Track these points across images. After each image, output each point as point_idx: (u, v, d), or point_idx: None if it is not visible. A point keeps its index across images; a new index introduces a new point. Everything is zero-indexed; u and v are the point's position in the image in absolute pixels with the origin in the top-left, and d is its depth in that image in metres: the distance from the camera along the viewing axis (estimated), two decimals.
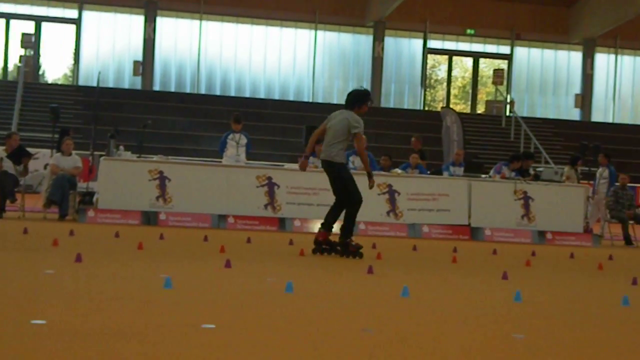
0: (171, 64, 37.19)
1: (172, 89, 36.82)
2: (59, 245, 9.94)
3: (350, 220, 10.88)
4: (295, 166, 17.47)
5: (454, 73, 41.65)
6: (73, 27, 36.44)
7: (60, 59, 38.73)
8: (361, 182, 11.09)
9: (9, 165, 15.48)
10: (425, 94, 39.67)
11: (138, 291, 6.73)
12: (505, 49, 40.04)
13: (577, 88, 39.95)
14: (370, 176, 10.91)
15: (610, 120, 40.06)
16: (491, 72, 39.47)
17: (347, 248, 10.76)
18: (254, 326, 5.46)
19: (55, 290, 6.59)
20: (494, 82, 38.23)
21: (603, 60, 40.47)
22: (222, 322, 5.49)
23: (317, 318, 5.98)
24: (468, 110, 40.29)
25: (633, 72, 41.42)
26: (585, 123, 38.41)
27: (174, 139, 29.57)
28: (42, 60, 37.51)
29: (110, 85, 35.66)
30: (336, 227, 11.04)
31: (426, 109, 39.06)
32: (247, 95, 37.16)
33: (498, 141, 33.75)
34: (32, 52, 34.74)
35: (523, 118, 34.13)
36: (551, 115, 39.76)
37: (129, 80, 36.60)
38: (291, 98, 37.66)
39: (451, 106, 37.18)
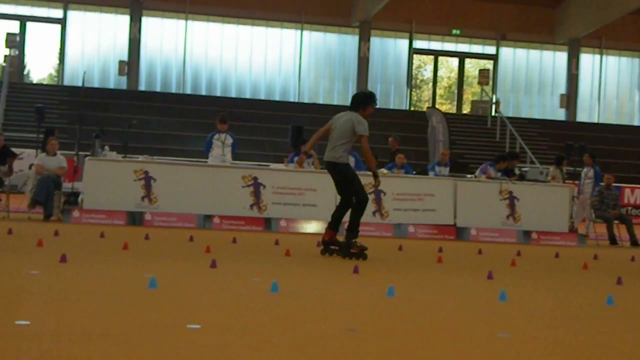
0: (157, 64, 37.09)
1: (158, 89, 36.71)
2: (43, 245, 9.91)
3: (356, 220, 10.89)
4: (281, 166, 17.50)
5: (439, 73, 41.69)
6: (58, 26, 36.28)
7: (45, 58, 38.60)
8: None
9: None
10: (411, 94, 39.69)
11: (123, 291, 6.72)
12: (490, 49, 40.11)
13: (562, 88, 40.05)
14: (375, 176, 10.99)
15: (595, 121, 40.18)
16: (477, 72, 39.51)
17: (349, 249, 10.76)
18: (240, 326, 5.45)
19: (40, 290, 6.57)
20: (479, 82, 38.28)
21: (588, 61, 40.60)
22: (207, 322, 5.48)
23: (302, 318, 5.98)
24: (454, 110, 40.34)
25: (618, 73, 41.57)
26: (570, 123, 38.52)
27: (160, 139, 29.49)
28: (27, 60, 37.35)
29: (96, 85, 35.52)
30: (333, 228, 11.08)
31: (412, 109, 39.09)
32: (233, 95, 37.09)
33: (484, 141, 33.81)
34: (17, 52, 34.55)
35: (508, 118, 34.19)
36: (536, 115, 39.85)
37: (114, 80, 36.47)
38: (277, 98, 37.62)
39: (437, 106, 37.21)
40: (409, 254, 12.21)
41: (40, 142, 18.61)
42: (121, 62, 35.65)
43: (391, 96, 39.02)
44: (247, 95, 37.28)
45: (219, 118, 16.55)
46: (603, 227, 17.89)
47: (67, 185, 16.74)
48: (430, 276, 9.51)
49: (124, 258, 9.24)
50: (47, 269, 7.80)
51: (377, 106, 11.49)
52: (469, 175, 18.96)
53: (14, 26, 35.76)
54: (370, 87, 36.97)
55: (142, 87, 36.25)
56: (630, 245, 17.32)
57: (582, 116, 40.22)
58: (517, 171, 18.00)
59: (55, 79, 37.89)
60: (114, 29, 36.42)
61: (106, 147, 16.45)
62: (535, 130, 35.46)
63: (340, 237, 11.03)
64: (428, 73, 42.18)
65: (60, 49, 36.31)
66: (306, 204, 15.95)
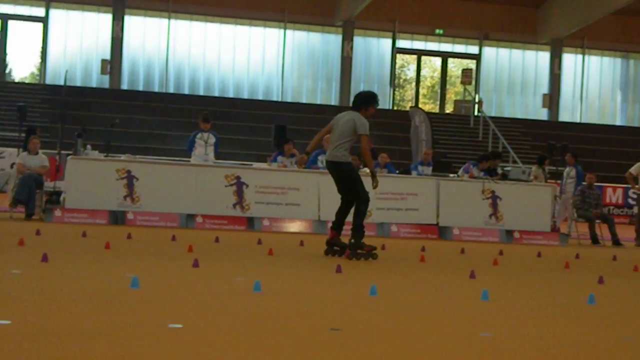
0: (139, 63, 36.98)
1: (140, 88, 36.59)
2: (25, 244, 9.86)
3: (360, 221, 10.90)
4: (264, 165, 17.48)
5: (422, 73, 41.76)
6: (40, 25, 36.12)
7: (27, 57, 38.44)
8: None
9: None
10: (394, 94, 39.74)
11: (105, 291, 6.69)
12: (473, 49, 40.20)
13: (544, 88, 40.19)
14: (373, 176, 11.01)
15: (578, 120, 40.34)
16: (460, 71, 39.62)
17: (357, 249, 10.77)
18: (222, 326, 5.44)
19: (21, 290, 6.53)
20: (462, 82, 38.38)
21: (570, 61, 40.74)
22: (189, 321, 5.47)
23: (285, 317, 5.97)
24: (437, 109, 40.42)
25: (600, 73, 41.74)
26: (552, 123, 38.65)
27: (142, 138, 29.41)
28: (8, 58, 37.17)
29: (78, 84, 35.37)
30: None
31: (395, 108, 39.14)
32: (216, 94, 37.03)
33: (466, 141, 33.89)
34: None
35: (491, 118, 34.29)
36: (519, 115, 39.97)
37: (96, 79, 36.33)
38: (260, 97, 37.58)
39: (420, 106, 37.26)
40: (391, 253, 12.22)
41: (22, 141, 18.52)
42: (103, 61, 35.52)
43: None
44: (230, 95, 37.22)
45: (201, 117, 16.52)
46: (585, 226, 17.97)
47: (49, 185, 16.67)
48: (413, 275, 9.52)
49: (106, 257, 9.20)
50: (29, 269, 7.76)
51: None
52: (451, 175, 19.01)
53: None
54: (353, 87, 37.03)
55: (124, 86, 36.14)
56: (612, 244, 17.40)
57: (565, 116, 40.38)
58: (499, 170, 18.05)
59: (37, 77, 37.73)
60: (96, 28, 36.29)
61: (88, 146, 16.40)
62: (518, 129, 35.58)
63: (345, 239, 11.05)
64: (411, 72, 42.25)
65: (42, 48, 36.14)
66: (289, 203, 15.95)
